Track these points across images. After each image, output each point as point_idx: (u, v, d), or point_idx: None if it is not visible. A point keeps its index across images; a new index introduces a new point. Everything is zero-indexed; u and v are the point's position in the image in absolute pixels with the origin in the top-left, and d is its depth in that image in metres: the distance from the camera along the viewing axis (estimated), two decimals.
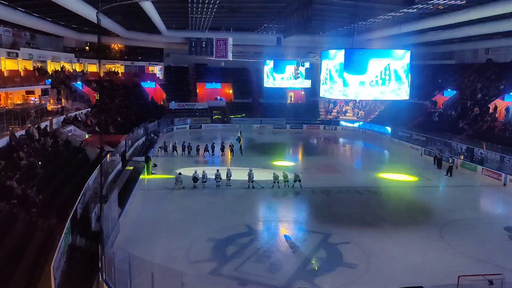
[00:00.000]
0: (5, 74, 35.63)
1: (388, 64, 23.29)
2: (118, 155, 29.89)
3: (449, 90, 50.34)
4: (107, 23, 39.62)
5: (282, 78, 46.09)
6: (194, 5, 35.10)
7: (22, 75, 37.83)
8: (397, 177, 31.88)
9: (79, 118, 38.04)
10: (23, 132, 25.89)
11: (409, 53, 23.74)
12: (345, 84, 23.41)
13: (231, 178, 27.83)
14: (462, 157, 35.22)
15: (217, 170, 27.91)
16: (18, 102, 35.56)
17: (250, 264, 16.86)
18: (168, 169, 32.21)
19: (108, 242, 16.09)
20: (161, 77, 64.03)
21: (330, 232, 20.21)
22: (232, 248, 18.31)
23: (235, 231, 20.23)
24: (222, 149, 38.45)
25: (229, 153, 37.90)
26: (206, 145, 38.23)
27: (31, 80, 37.52)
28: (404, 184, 30.68)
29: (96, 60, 55.61)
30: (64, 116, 35.27)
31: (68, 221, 15.97)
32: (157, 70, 64.98)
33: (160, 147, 38.75)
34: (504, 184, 29.66)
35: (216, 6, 35.19)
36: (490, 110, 41.05)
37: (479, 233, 20.78)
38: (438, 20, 35.29)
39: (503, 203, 27.36)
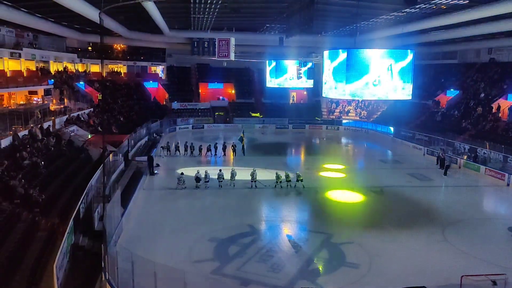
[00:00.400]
0: (8, 74, 35.71)
1: (391, 64, 23.24)
2: (120, 155, 29.94)
3: (452, 90, 50.22)
4: (109, 23, 39.68)
5: (285, 78, 46.09)
6: (197, 5, 35.13)
7: (25, 75, 37.90)
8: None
9: (82, 118, 38.13)
10: (26, 132, 25.95)
11: (411, 53, 23.68)
12: (347, 83, 23.38)
13: (235, 178, 27.81)
14: (465, 157, 35.13)
15: (220, 170, 27.93)
16: (21, 102, 35.64)
17: (253, 264, 16.86)
18: (171, 169, 32.24)
19: (111, 241, 16.12)
20: (163, 77, 64.10)
21: (333, 232, 20.19)
22: (235, 248, 18.31)
23: (237, 230, 20.23)
24: (224, 149, 38.44)
25: (232, 153, 37.90)
26: (209, 145, 38.24)
27: (34, 80, 37.60)
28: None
29: (99, 60, 55.75)
30: (67, 116, 35.36)
31: (71, 220, 16.01)
32: (159, 70, 65.04)
33: (162, 147, 38.79)
34: (508, 184, 29.57)
35: (218, 6, 35.22)
36: (493, 110, 40.94)
37: (482, 233, 20.70)
38: (441, 20, 35.21)
39: (506, 203, 27.25)
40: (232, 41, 52.91)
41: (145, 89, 59.22)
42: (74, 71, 51.82)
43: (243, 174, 28.34)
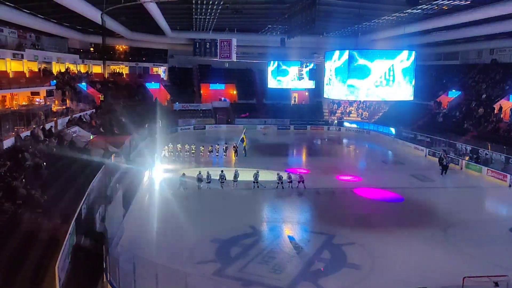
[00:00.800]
0: (11, 75, 35.80)
1: (392, 65, 23.27)
2: (122, 156, 29.95)
3: (453, 90, 50.13)
4: (111, 24, 39.77)
5: (286, 79, 46.09)
6: (198, 6, 35.23)
7: (27, 76, 37.99)
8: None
9: (84, 119, 38.16)
10: (28, 133, 25.98)
11: (413, 53, 23.69)
12: (349, 85, 23.39)
13: (238, 179, 27.80)
14: (467, 158, 35.07)
15: (222, 171, 27.93)
16: (23, 103, 35.72)
17: (254, 265, 16.86)
18: (172, 170, 32.25)
19: (113, 242, 16.15)
20: (165, 78, 64.17)
21: (334, 233, 20.17)
22: (236, 249, 18.32)
23: (239, 231, 20.24)
24: (225, 150, 38.45)
25: (233, 154, 37.93)
26: (210, 146, 38.23)
27: (36, 81, 37.68)
28: None
29: (101, 61, 55.69)
30: (69, 117, 35.39)
31: (73, 221, 16.01)
32: (161, 71, 65.10)
33: (164, 149, 38.76)
34: (510, 185, 29.49)
35: (220, 7, 35.30)
36: (495, 111, 40.86)
37: (484, 234, 20.66)
38: (443, 21, 35.22)
39: (508, 204, 27.19)
40: (234, 42, 53.03)
41: (147, 90, 59.29)
42: (76, 72, 51.91)
43: (244, 175, 28.34)
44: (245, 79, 64.90)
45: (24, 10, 33.16)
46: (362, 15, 35.46)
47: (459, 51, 54.09)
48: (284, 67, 44.65)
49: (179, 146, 38.56)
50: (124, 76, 60.77)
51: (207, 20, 42.67)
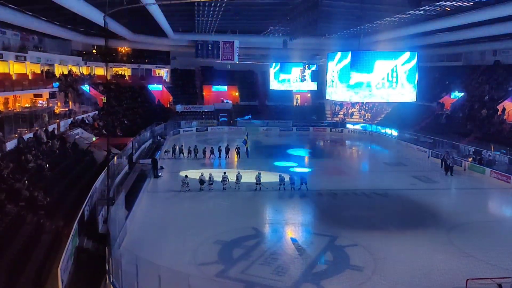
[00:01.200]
0: (14, 77, 35.91)
1: (395, 66, 23.25)
2: (125, 157, 30.01)
3: (456, 92, 50.03)
4: (114, 26, 39.86)
5: (288, 80, 46.15)
6: (201, 8, 35.26)
7: (30, 78, 38.10)
8: None
9: (86, 121, 38.25)
10: (31, 135, 26.05)
11: (416, 55, 23.67)
12: (351, 86, 23.38)
13: (241, 181, 27.79)
14: (470, 159, 34.98)
15: (224, 173, 27.92)
16: (26, 105, 35.82)
17: (257, 267, 16.83)
18: (175, 172, 32.28)
19: (115, 244, 16.13)
20: (167, 80, 64.24)
21: (337, 235, 20.13)
22: (239, 251, 18.29)
23: (241, 233, 20.21)
24: (227, 151, 38.43)
25: (236, 155, 37.91)
26: (212, 147, 38.24)
27: (39, 83, 37.78)
28: None
29: (103, 63, 55.94)
30: (72, 119, 35.49)
31: (76, 223, 16.04)
32: (163, 73, 65.20)
33: (166, 151, 38.84)
34: None
35: (222, 9, 35.32)
36: (498, 112, 40.74)
37: (488, 236, 20.58)
38: (445, 22, 35.13)
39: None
40: (236, 43, 53.18)
41: (149, 92, 59.40)
42: (79, 74, 52.04)
43: (247, 177, 28.32)
44: (247, 81, 64.93)
45: (27, 12, 33.25)
46: (364, 17, 35.39)
47: (462, 52, 53.97)
48: (287, 67, 44.74)
49: (181, 147, 38.59)
50: (127, 78, 60.89)
51: (209, 22, 42.70)
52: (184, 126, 54.66)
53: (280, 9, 36.07)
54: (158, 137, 43.92)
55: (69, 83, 45.08)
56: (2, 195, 16.65)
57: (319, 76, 42.57)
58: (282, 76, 47.08)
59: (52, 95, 39.02)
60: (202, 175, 27.62)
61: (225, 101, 61.81)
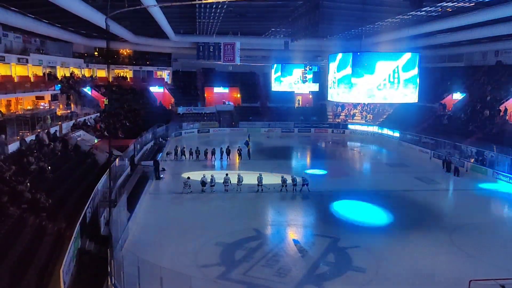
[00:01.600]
0: (16, 79, 36.02)
1: (397, 67, 23.23)
2: (126, 159, 30.03)
3: (458, 92, 49.95)
4: (115, 28, 39.94)
5: (290, 82, 46.11)
6: (202, 10, 35.30)
7: (32, 80, 38.22)
8: None
9: (88, 123, 38.33)
10: (33, 137, 26.10)
11: (417, 55, 23.65)
12: (352, 87, 23.36)
13: (242, 183, 27.79)
14: (472, 160, 34.89)
15: (226, 174, 27.92)
16: (28, 107, 35.92)
17: (259, 268, 16.81)
18: (177, 174, 32.30)
19: (117, 246, 16.14)
20: (169, 82, 64.36)
21: (339, 236, 20.10)
22: (241, 252, 18.27)
23: (243, 235, 20.20)
24: (228, 153, 38.40)
25: (237, 157, 37.90)
26: (214, 149, 38.25)
27: (41, 85, 37.90)
28: None
29: (105, 65, 56.12)
30: (74, 121, 35.56)
31: (78, 225, 16.06)
32: (165, 74, 65.31)
33: (168, 152, 38.86)
34: None
35: (223, 10, 35.35)
36: (501, 113, 40.66)
37: (490, 237, 20.54)
38: (447, 23, 35.09)
39: None
40: (238, 45, 53.21)
41: (151, 94, 59.48)
42: (81, 76, 52.18)
43: (249, 178, 28.32)
44: (249, 82, 64.97)
45: (28, 15, 33.36)
46: (366, 18, 35.41)
47: (464, 53, 53.91)
48: (288, 69, 44.70)
49: (183, 149, 38.62)
50: (128, 80, 61.03)
51: (210, 23, 42.74)
52: (185, 128, 54.72)
53: (281, 10, 36.08)
54: (160, 139, 43.96)
55: (71, 85, 45.22)
56: (5, 198, 16.68)
57: (320, 77, 42.48)
58: (284, 77, 47.02)
59: (54, 98, 39.14)
60: (204, 176, 27.64)
61: (226, 103, 61.85)
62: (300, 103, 64.40)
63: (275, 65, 49.32)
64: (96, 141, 33.54)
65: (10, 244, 14.24)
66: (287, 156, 42.90)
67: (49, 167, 22.43)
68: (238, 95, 63.74)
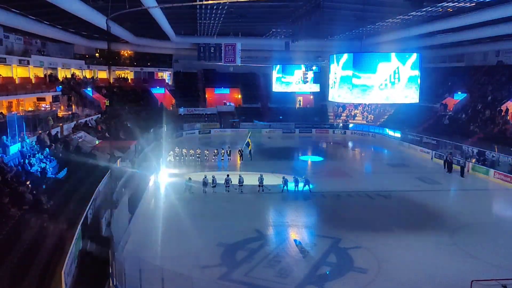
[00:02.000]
0: (17, 81, 36.08)
1: (397, 67, 23.17)
2: (128, 160, 30.02)
3: (459, 93, 49.89)
4: (116, 30, 40.00)
5: (291, 82, 46.03)
6: (203, 11, 35.32)
7: (33, 82, 38.28)
8: None
9: (89, 124, 38.34)
10: (34, 138, 26.11)
11: (418, 56, 23.61)
12: (353, 87, 23.32)
13: (243, 184, 27.79)
14: (473, 160, 34.86)
15: (227, 175, 27.92)
16: (30, 108, 35.96)
17: (260, 269, 16.81)
18: (178, 174, 32.29)
19: (119, 247, 16.15)
20: (170, 83, 64.40)
21: (340, 237, 20.08)
22: (242, 253, 18.27)
23: (245, 236, 20.20)
24: (229, 153, 38.39)
25: (238, 157, 37.89)
26: (215, 150, 38.24)
27: (42, 87, 37.97)
28: None
29: (106, 66, 56.16)
30: (75, 122, 35.58)
31: (79, 226, 16.05)
32: (166, 75, 65.36)
33: (169, 154, 38.81)
34: None
35: (224, 11, 35.37)
36: (502, 113, 40.61)
37: (492, 237, 20.50)
38: (447, 23, 35.10)
39: None
40: (238, 46, 53.26)
41: (152, 95, 59.50)
42: (82, 77, 52.24)
43: (250, 179, 28.32)
44: (249, 83, 64.94)
45: (29, 16, 33.41)
46: (367, 18, 35.42)
47: (465, 53, 53.89)
48: (289, 70, 44.68)
49: (184, 150, 38.61)
50: (129, 81, 61.09)
51: (211, 24, 42.79)
52: (187, 129, 54.72)
53: (282, 11, 36.13)
54: (161, 140, 43.92)
55: (72, 87, 45.27)
56: (6, 199, 16.68)
57: (321, 78, 42.41)
58: (284, 78, 47.01)
59: (55, 99, 39.20)
60: (205, 177, 27.64)
61: (227, 104, 61.85)
62: (301, 104, 64.38)
63: (276, 66, 49.32)
64: (97, 142, 33.53)
65: (11, 245, 14.24)
66: (288, 157, 42.86)
67: (51, 169, 22.43)
68: (239, 96, 63.75)
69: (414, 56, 23.58)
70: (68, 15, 30.25)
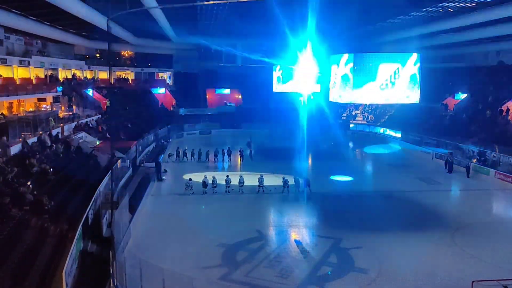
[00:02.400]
0: (18, 82, 36.08)
1: (398, 68, 23.19)
2: (128, 161, 30.04)
3: (460, 93, 49.86)
4: (117, 30, 40.02)
5: (292, 82, 46.03)
6: (203, 11, 35.32)
7: (34, 82, 38.26)
8: None
9: (90, 125, 38.36)
10: (35, 139, 26.13)
11: (419, 56, 23.62)
12: (354, 87, 23.34)
13: (243, 184, 27.76)
14: (474, 160, 34.82)
15: (227, 176, 27.92)
16: (30, 109, 35.95)
17: (261, 270, 16.80)
18: (178, 175, 32.29)
19: (119, 248, 16.16)
20: (170, 83, 64.39)
21: (341, 237, 20.06)
22: (243, 254, 18.27)
23: (245, 236, 20.19)
24: (229, 154, 38.38)
25: (239, 158, 37.88)
26: (216, 150, 38.24)
27: (42, 87, 37.95)
28: None
29: (107, 67, 56.15)
30: (75, 123, 35.59)
31: (80, 227, 16.06)
32: (166, 76, 65.37)
33: (170, 154, 38.87)
34: None
35: (225, 12, 35.38)
36: (503, 113, 40.57)
37: (493, 237, 20.48)
38: (448, 23, 35.09)
39: None
40: (239, 46, 53.24)
41: (152, 95, 59.53)
42: (83, 78, 52.24)
43: (250, 179, 28.30)
44: (250, 83, 64.81)
45: (30, 17, 33.43)
46: (367, 19, 35.42)
47: (465, 53, 53.84)
48: (289, 70, 44.71)
49: (185, 150, 38.62)
50: (130, 81, 61.09)
51: (212, 25, 42.77)
52: (187, 129, 54.67)
53: (283, 11, 36.09)
54: (162, 140, 44.01)
55: (73, 87, 45.25)
56: (7, 199, 16.69)
57: (322, 78, 42.42)
58: (285, 78, 46.99)
59: (56, 99, 39.16)
60: (205, 178, 27.63)
61: (228, 104, 61.80)
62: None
63: (277, 66, 49.34)
64: (98, 143, 33.55)
65: (12, 245, 14.25)
66: (289, 157, 42.76)
67: (51, 169, 22.44)
68: (240, 96, 63.68)
69: (414, 56, 23.59)
70: (69, 15, 30.27)
